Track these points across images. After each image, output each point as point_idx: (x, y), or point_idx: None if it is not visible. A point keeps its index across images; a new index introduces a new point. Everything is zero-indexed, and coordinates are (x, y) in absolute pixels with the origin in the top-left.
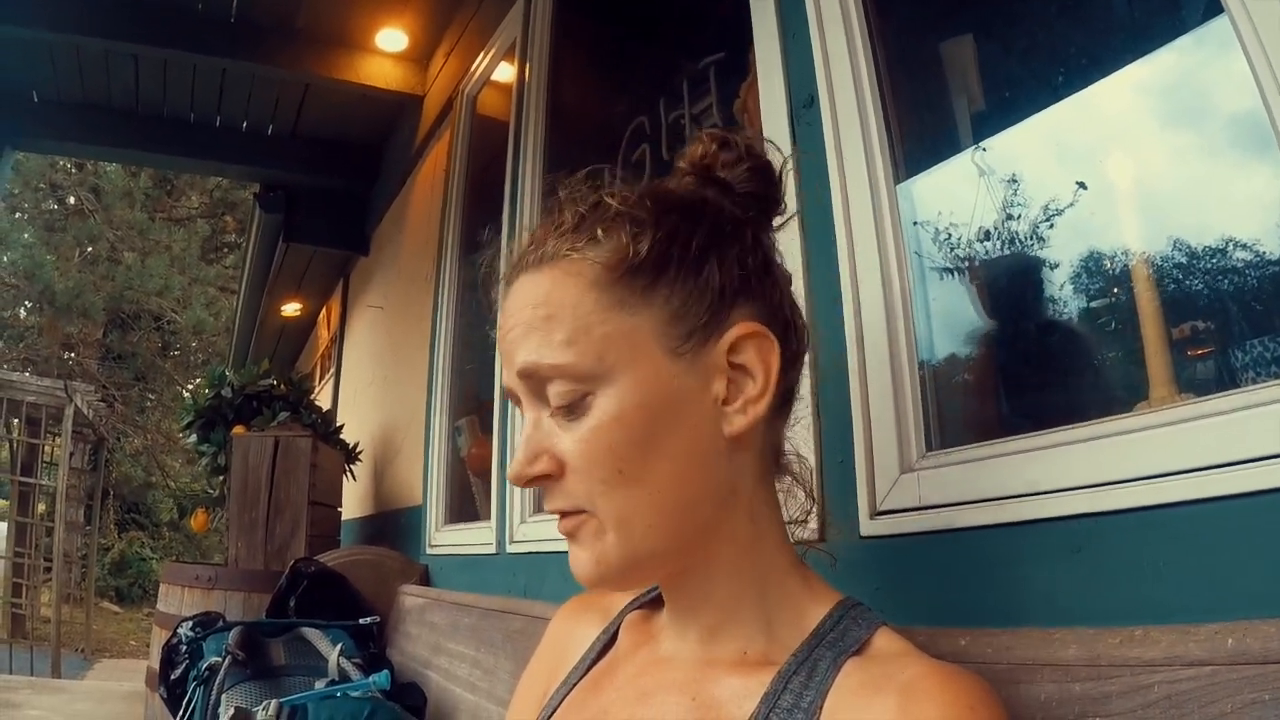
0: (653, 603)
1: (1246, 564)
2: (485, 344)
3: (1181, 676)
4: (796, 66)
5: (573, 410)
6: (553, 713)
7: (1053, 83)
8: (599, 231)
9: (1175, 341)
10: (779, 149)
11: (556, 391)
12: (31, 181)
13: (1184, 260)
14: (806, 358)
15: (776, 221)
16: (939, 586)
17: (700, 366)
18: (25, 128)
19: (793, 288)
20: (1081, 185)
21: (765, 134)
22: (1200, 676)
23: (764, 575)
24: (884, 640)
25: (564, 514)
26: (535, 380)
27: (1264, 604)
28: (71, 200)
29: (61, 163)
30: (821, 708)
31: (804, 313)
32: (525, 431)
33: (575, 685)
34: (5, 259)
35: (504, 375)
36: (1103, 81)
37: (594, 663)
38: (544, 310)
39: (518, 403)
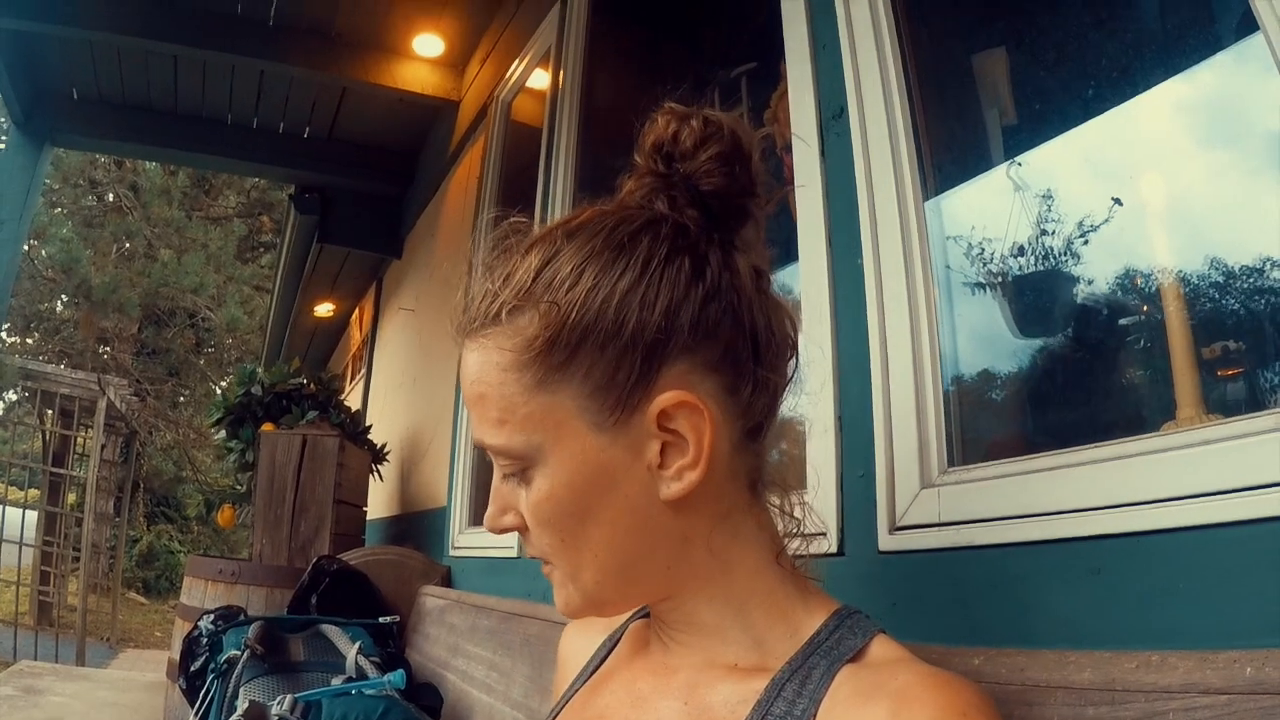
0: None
1: (1269, 590)
2: None
3: (1199, 704)
4: (827, 78)
5: (519, 480)
6: (555, 717)
7: (1085, 97)
8: (503, 315)
9: (1205, 361)
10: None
11: (500, 464)
12: (71, 177)
13: (1216, 280)
14: (830, 367)
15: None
16: (956, 604)
17: (629, 437)
18: (65, 125)
19: (820, 302)
20: (1117, 201)
21: (795, 145)
22: (1217, 705)
23: (743, 600)
24: (880, 648)
25: (540, 559)
26: (485, 449)
27: None
28: (110, 197)
29: (101, 159)
30: (815, 716)
31: (829, 324)
32: (494, 483)
33: (578, 691)
34: (44, 253)
35: None
36: (1136, 98)
37: (596, 669)
38: (478, 388)
39: None
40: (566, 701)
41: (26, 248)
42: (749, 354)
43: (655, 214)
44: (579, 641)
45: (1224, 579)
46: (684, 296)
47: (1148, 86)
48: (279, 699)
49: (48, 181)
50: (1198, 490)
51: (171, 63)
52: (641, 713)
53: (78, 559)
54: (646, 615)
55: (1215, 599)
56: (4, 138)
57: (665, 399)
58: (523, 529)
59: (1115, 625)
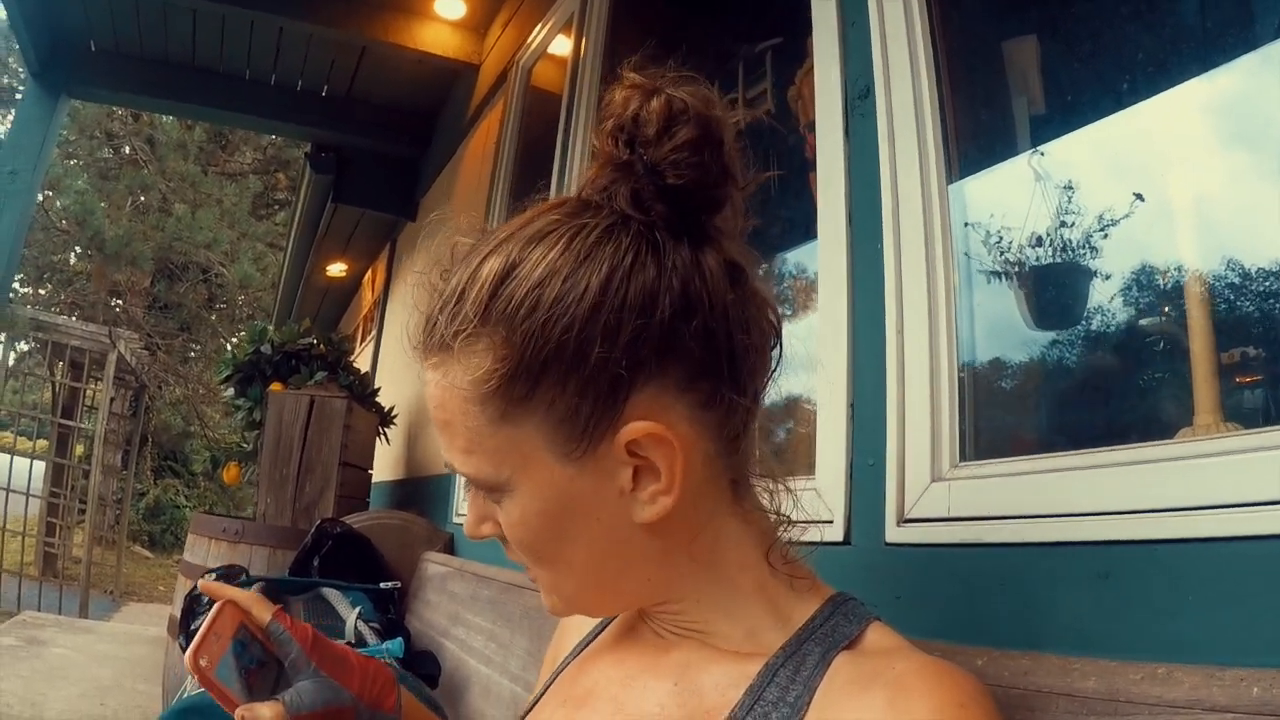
0: None
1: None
2: None
3: None
4: (854, 56)
5: (496, 499)
6: (547, 687)
7: (1117, 90)
8: (457, 344)
9: (1225, 368)
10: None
11: (474, 487)
12: (87, 129)
13: (1239, 284)
14: (845, 352)
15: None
16: (962, 601)
17: (598, 465)
18: (81, 76)
19: (838, 284)
20: (1139, 197)
21: (819, 123)
22: None
23: (729, 599)
24: (876, 635)
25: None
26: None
27: None
28: (126, 149)
29: (117, 112)
30: (809, 703)
31: (846, 307)
32: (470, 494)
33: (570, 663)
34: (58, 204)
35: None
36: (1167, 93)
37: (589, 642)
38: (442, 414)
39: None
40: (558, 674)
41: (41, 198)
42: (724, 367)
43: (616, 217)
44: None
45: (1234, 594)
46: (650, 319)
47: (1178, 82)
48: None
49: (64, 133)
50: (1213, 501)
51: (190, 16)
52: (631, 691)
53: (84, 511)
54: None
55: (1225, 613)
56: (21, 88)
57: (631, 429)
58: (501, 538)
59: (1122, 632)
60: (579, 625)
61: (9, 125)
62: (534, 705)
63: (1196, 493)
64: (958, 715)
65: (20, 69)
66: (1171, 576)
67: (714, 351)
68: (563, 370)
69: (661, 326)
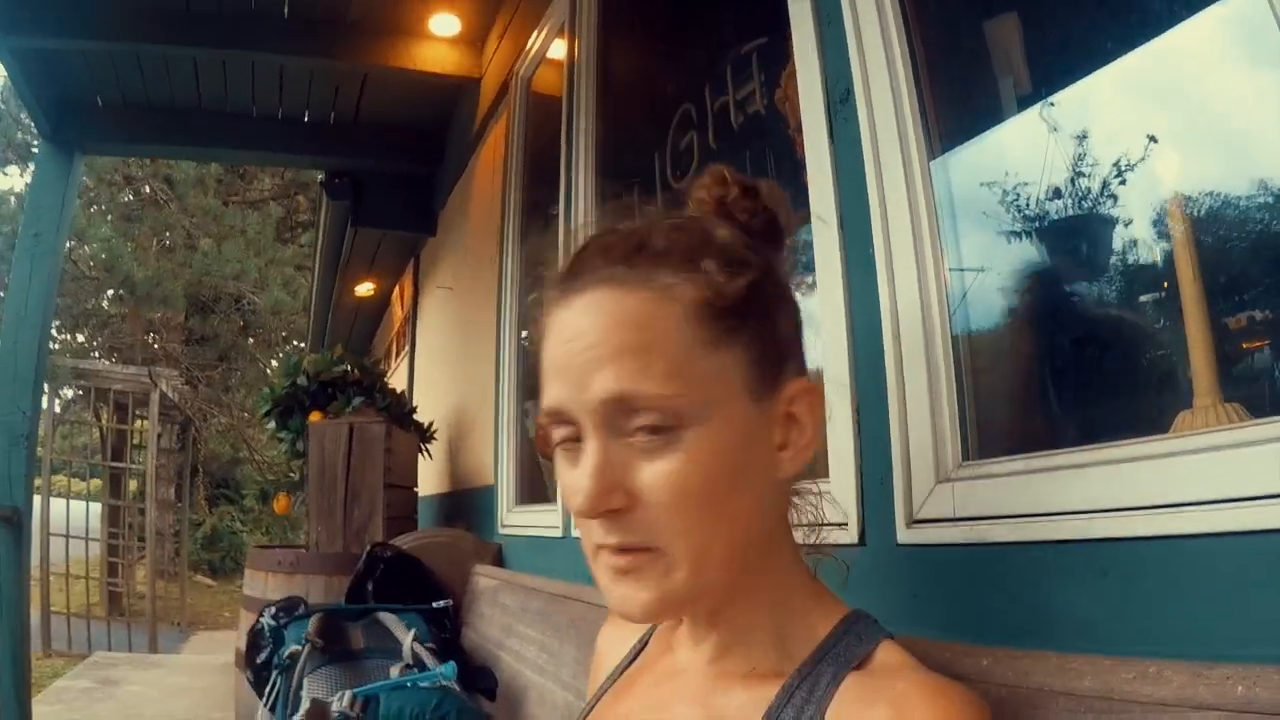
0: None
1: (1276, 603)
2: None
3: (1190, 719)
4: (833, 57)
5: (659, 445)
6: (588, 713)
7: (1102, 52)
8: (702, 263)
9: (1229, 333)
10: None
11: (646, 424)
12: (106, 176)
13: (1233, 256)
14: (846, 356)
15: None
16: (970, 599)
17: (768, 413)
18: (93, 133)
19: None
20: (1128, 167)
21: (805, 128)
22: None
23: (779, 597)
24: (885, 654)
25: (625, 550)
26: (621, 408)
27: None
28: (146, 190)
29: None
30: None
31: (843, 313)
32: (594, 461)
33: (608, 690)
34: (86, 250)
35: (556, 396)
36: (1150, 59)
37: (626, 668)
38: (640, 335)
39: (565, 429)
40: (598, 700)
41: (69, 247)
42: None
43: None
44: (614, 637)
45: (1230, 589)
46: (795, 306)
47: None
48: (339, 694)
49: (84, 180)
50: (1207, 497)
51: (191, 64)
52: (663, 717)
53: (143, 548)
54: None
55: (1221, 608)
56: (36, 143)
57: (799, 383)
58: (628, 510)
59: (1121, 628)
60: (614, 652)
61: (27, 184)
62: None
63: (1192, 488)
64: None
65: (29, 135)
66: (1167, 572)
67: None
68: (763, 315)
69: (797, 315)
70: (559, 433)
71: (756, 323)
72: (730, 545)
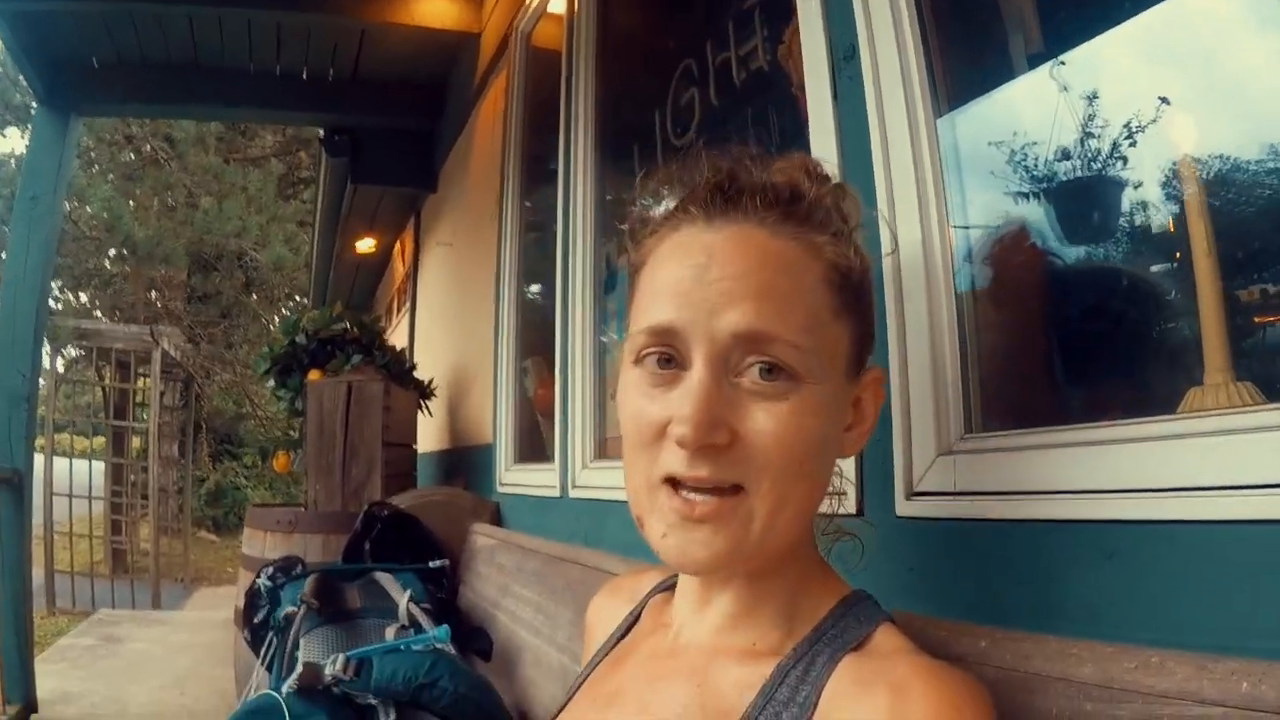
0: (674, 587)
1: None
2: (549, 283)
3: (1192, 714)
4: (837, 13)
5: (774, 391)
6: (578, 687)
7: (1114, 18)
8: (846, 230)
9: (1241, 306)
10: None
11: (770, 368)
12: (106, 136)
13: (1250, 228)
14: None
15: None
16: (970, 576)
17: (849, 392)
18: (88, 94)
19: None
20: (1140, 129)
21: (808, 88)
22: (1211, 718)
23: (800, 571)
24: (883, 637)
25: (712, 490)
26: (750, 345)
27: None
28: (147, 149)
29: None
30: (816, 704)
31: None
32: (708, 389)
33: (599, 663)
34: (87, 210)
35: (671, 316)
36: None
37: (619, 641)
38: (786, 281)
39: (662, 350)
40: (589, 673)
41: (69, 208)
42: None
43: None
44: (606, 610)
45: (1239, 579)
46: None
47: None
48: (332, 658)
49: (84, 141)
50: (1221, 482)
51: (187, 22)
52: (656, 692)
53: (146, 505)
54: (667, 589)
55: (1229, 599)
56: (34, 104)
57: (875, 373)
58: (727, 445)
59: (1126, 613)
60: (605, 624)
61: (25, 146)
62: (567, 702)
63: (1206, 473)
64: (953, 718)
65: (26, 97)
66: (1177, 559)
67: None
68: (870, 294)
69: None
70: (651, 356)
71: (864, 305)
72: (801, 507)
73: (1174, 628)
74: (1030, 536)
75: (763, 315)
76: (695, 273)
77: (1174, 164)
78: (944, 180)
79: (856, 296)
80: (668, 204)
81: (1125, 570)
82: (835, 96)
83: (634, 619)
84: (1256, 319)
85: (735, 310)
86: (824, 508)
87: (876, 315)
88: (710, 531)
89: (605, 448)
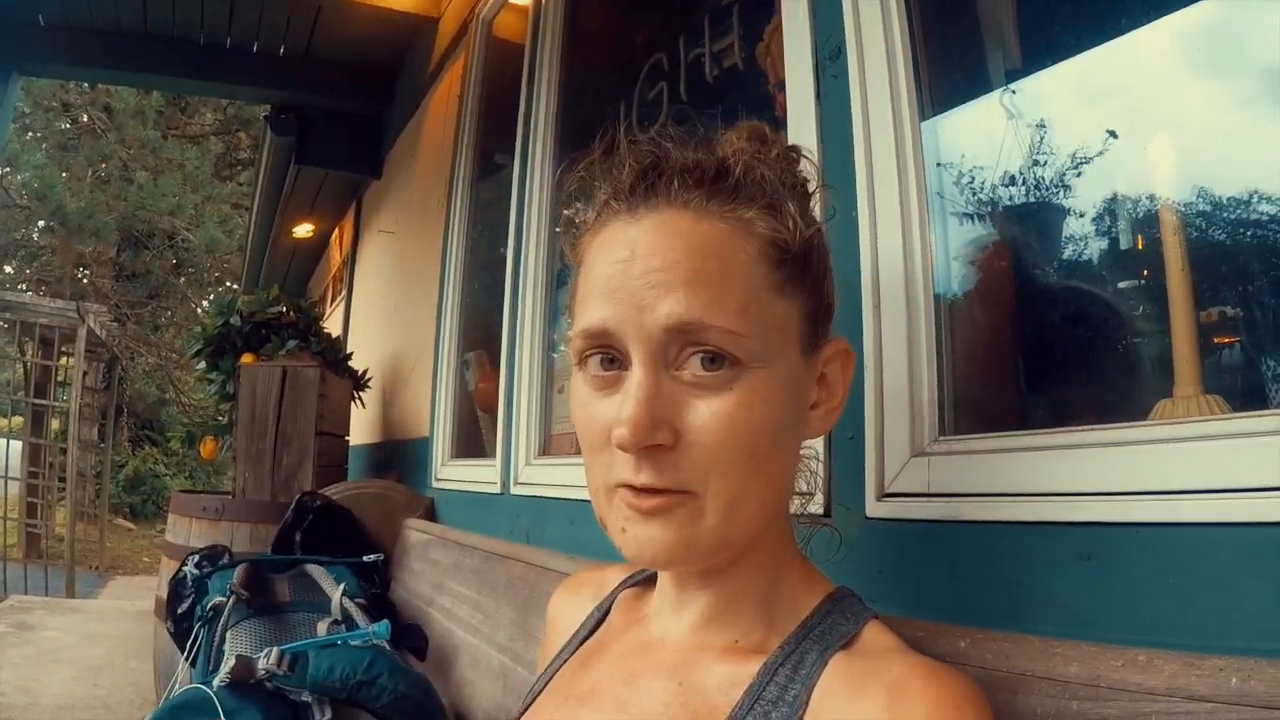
0: (644, 583)
1: (1260, 597)
2: (496, 277)
3: (1180, 710)
4: (824, 11)
5: (714, 383)
6: (545, 684)
7: (1097, 30)
8: (784, 205)
9: (1203, 326)
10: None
11: (708, 358)
12: (43, 101)
13: (1222, 243)
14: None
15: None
16: (943, 578)
17: (809, 369)
18: (32, 53)
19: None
20: (1112, 134)
21: (789, 86)
22: (1200, 713)
23: (775, 565)
24: (872, 634)
25: (659, 491)
26: (685, 339)
27: (1275, 640)
28: (84, 118)
29: (74, 82)
30: (807, 703)
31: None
32: (645, 390)
33: (567, 660)
34: (18, 178)
35: (604, 316)
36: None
37: (586, 638)
38: (716, 265)
39: (603, 353)
40: (556, 671)
41: (0, 173)
42: None
43: None
44: (569, 606)
45: (1215, 580)
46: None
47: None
48: (265, 651)
49: (19, 105)
50: (1192, 486)
51: None
52: (634, 690)
53: (63, 489)
54: (636, 584)
55: (1205, 599)
56: None
57: (837, 344)
58: (670, 446)
59: (1104, 614)
60: (569, 620)
61: None
62: (532, 701)
63: (1177, 477)
64: (953, 718)
65: None
66: (1153, 560)
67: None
68: (820, 264)
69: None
70: (594, 357)
71: (813, 277)
72: (761, 499)
73: (1151, 628)
74: (1006, 538)
75: (693, 305)
76: (621, 269)
77: (1154, 185)
78: (927, 183)
79: (802, 268)
80: (598, 200)
81: (1101, 572)
82: (819, 95)
83: (602, 615)
84: (1224, 339)
85: (664, 303)
86: (793, 508)
87: (835, 281)
88: (662, 526)
89: (550, 444)
